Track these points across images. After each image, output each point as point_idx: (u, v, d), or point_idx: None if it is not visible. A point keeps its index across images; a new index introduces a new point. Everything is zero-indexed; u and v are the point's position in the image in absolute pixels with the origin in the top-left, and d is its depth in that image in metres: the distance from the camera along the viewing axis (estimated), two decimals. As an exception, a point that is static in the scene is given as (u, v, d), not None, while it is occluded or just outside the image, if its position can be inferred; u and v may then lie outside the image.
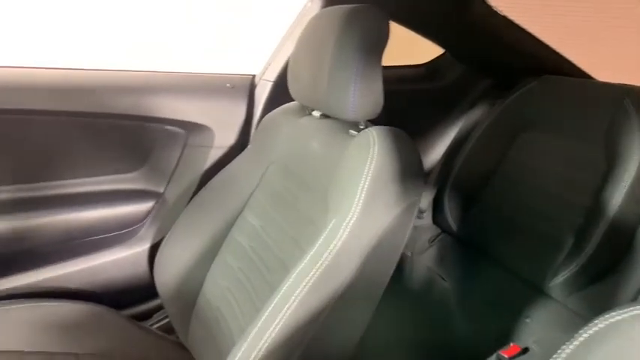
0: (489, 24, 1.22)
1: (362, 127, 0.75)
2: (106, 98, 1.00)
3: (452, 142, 1.37)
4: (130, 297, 1.11)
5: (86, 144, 1.02)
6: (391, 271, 0.69)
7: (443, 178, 1.26)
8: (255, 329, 0.61)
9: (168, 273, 0.93)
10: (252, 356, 0.59)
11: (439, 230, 1.31)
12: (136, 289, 1.11)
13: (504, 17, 1.25)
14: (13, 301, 0.94)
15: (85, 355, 0.85)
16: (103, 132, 1.02)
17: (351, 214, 0.62)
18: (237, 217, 0.92)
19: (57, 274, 1.02)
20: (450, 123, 1.41)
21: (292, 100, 1.00)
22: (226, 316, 0.84)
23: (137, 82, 1.04)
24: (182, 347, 0.96)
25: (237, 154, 1.03)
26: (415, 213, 0.69)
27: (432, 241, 1.28)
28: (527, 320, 0.99)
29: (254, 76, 1.18)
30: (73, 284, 1.03)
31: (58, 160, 1.01)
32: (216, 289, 0.89)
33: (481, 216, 1.19)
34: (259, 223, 0.87)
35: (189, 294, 0.92)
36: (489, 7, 1.22)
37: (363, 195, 0.63)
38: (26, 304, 0.92)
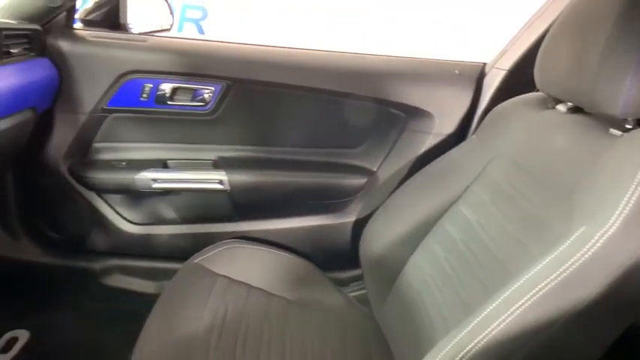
0: None
1: (629, 126, 0.64)
2: (341, 78, 1.09)
3: None
4: (332, 262, 1.21)
5: (320, 118, 1.14)
6: None
7: None
8: (464, 332, 0.57)
9: (374, 247, 0.97)
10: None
11: None
12: (339, 256, 1.20)
13: None
14: (246, 242, 1.13)
15: (293, 303, 0.97)
16: (336, 108, 1.12)
17: (610, 224, 0.53)
18: (449, 207, 0.90)
19: (279, 227, 1.19)
20: None
21: (526, 91, 0.92)
22: (426, 302, 0.83)
23: (369, 66, 1.11)
24: (373, 320, 1.00)
25: (455, 144, 1.00)
26: None
27: None
28: None
29: (485, 64, 1.13)
30: (289, 239, 1.18)
31: (298, 129, 1.15)
32: (418, 272, 0.90)
33: None
34: (475, 218, 0.83)
35: (391, 271, 0.95)
36: None
37: (630, 205, 0.53)
38: (256, 247, 1.10)
